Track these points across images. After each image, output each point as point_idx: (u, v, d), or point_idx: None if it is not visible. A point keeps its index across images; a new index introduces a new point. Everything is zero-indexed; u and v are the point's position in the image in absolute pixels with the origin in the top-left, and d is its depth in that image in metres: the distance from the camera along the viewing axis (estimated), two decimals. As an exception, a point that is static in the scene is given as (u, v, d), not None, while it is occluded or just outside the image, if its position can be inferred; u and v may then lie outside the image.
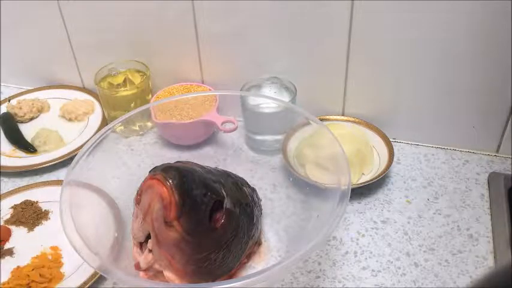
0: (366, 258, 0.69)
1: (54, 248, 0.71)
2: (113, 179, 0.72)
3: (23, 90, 1.03)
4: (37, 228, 0.75)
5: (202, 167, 0.64)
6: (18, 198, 0.79)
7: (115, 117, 0.86)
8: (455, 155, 0.85)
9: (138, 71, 0.92)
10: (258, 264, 0.68)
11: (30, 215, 0.76)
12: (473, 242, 0.70)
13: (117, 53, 0.93)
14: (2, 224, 0.75)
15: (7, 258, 0.70)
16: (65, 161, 0.85)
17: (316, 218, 0.65)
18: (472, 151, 0.85)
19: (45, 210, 0.77)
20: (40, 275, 0.66)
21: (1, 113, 0.97)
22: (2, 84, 1.07)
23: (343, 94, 0.86)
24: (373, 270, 0.68)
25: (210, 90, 0.90)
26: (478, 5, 0.70)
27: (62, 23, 0.93)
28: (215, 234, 0.59)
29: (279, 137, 0.82)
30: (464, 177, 0.81)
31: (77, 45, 0.97)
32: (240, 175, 0.70)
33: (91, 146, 0.66)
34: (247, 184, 0.70)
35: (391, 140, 0.83)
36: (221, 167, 0.71)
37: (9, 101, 1.00)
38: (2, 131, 0.93)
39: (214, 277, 0.61)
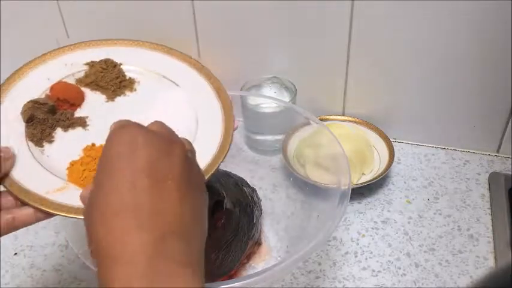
0: (366, 259, 0.69)
1: None
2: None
3: (22, 90, 1.04)
4: (118, 99, 0.55)
5: (202, 167, 0.64)
6: (96, 54, 0.58)
7: (115, 117, 0.86)
8: (455, 155, 0.85)
9: (138, 71, 0.92)
10: (258, 264, 0.68)
11: (111, 80, 0.56)
12: (474, 242, 0.70)
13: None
14: (73, 83, 0.55)
15: (78, 130, 0.52)
16: (65, 161, 0.85)
17: (316, 218, 0.65)
18: (472, 151, 0.85)
19: (130, 77, 0.57)
20: None
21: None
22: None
23: (343, 94, 0.86)
24: (373, 271, 0.68)
25: (210, 90, 0.90)
26: (478, 5, 0.70)
27: (61, 22, 0.93)
28: (215, 234, 0.59)
29: (279, 137, 0.82)
30: (464, 177, 0.80)
31: (77, 45, 0.97)
32: (240, 175, 0.70)
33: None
34: (247, 184, 0.70)
35: (391, 140, 0.83)
36: (221, 167, 0.70)
37: (9, 101, 1.00)
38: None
39: (214, 277, 0.61)
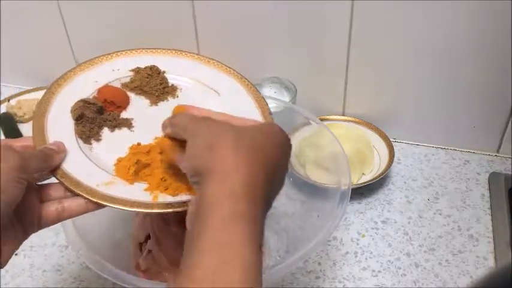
0: (366, 259, 0.69)
1: None
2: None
3: (22, 90, 1.03)
4: (161, 104, 0.59)
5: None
6: (142, 61, 0.61)
7: (115, 117, 0.86)
8: (455, 155, 0.85)
9: (138, 71, 0.92)
10: (258, 264, 0.68)
11: (155, 85, 0.59)
12: (474, 242, 0.70)
13: (117, 53, 0.93)
14: (119, 87, 0.59)
15: (124, 130, 0.55)
16: (65, 161, 0.85)
17: (316, 218, 0.65)
18: (472, 151, 0.85)
19: (172, 84, 0.60)
20: None
21: (1, 112, 0.97)
22: (1, 84, 1.07)
23: (343, 94, 0.86)
24: (373, 271, 0.68)
25: (210, 90, 0.90)
26: (478, 5, 0.70)
27: (61, 22, 0.93)
28: (215, 234, 0.59)
29: (279, 137, 0.81)
30: (464, 177, 0.80)
31: (77, 45, 0.97)
32: (240, 175, 0.70)
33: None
34: (247, 184, 0.69)
35: (391, 140, 0.83)
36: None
37: (8, 101, 1.00)
38: (1, 131, 0.93)
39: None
